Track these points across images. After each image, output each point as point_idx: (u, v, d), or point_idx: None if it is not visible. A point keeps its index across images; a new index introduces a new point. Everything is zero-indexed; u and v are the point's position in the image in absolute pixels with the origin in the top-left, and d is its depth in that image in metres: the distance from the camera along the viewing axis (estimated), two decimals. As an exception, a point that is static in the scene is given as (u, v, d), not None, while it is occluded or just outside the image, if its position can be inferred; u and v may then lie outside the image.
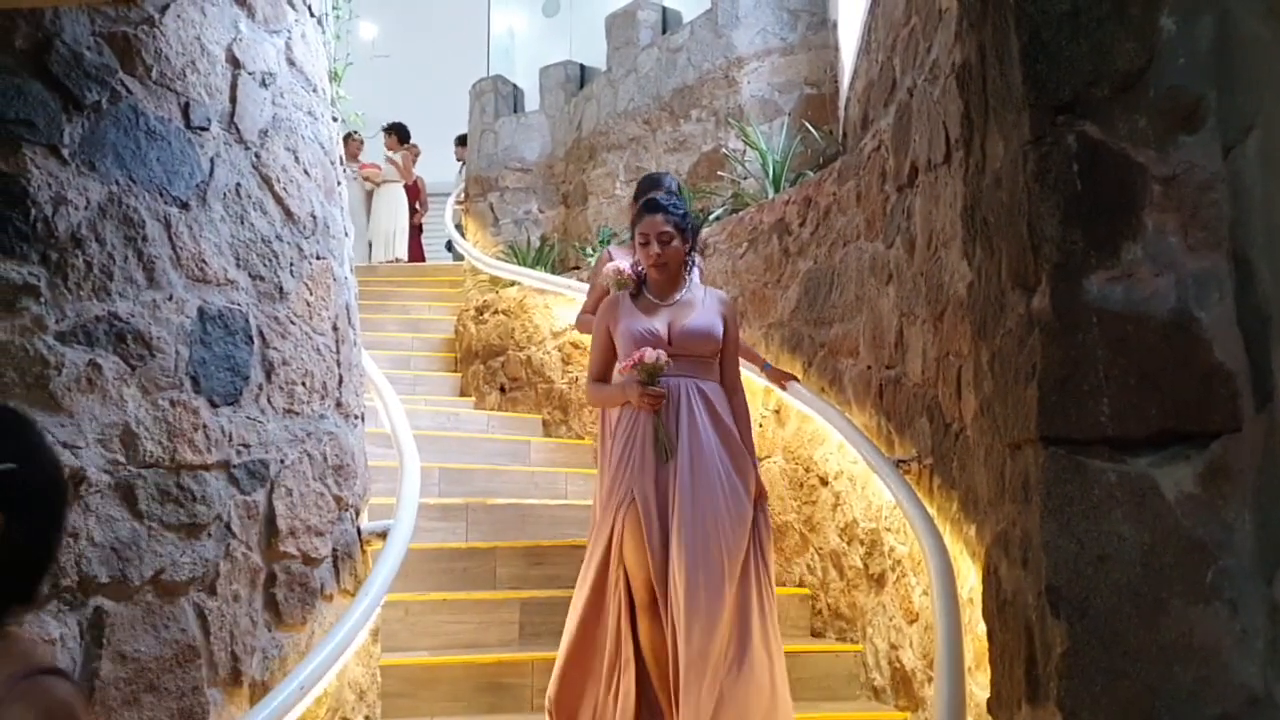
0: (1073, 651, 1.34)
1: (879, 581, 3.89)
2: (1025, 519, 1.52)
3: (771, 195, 5.46)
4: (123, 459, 2.21)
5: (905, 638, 3.64)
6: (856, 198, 4.19)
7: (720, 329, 3.37)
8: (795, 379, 4.01)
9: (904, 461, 3.46)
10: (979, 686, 2.79)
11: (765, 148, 5.89)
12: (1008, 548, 1.67)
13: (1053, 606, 1.37)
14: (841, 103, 5.60)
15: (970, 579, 2.96)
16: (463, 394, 7.32)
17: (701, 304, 3.39)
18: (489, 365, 7.14)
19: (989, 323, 1.75)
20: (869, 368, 3.94)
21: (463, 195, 9.56)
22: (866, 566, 3.97)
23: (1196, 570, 1.35)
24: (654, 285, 3.42)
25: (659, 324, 3.35)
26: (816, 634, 4.35)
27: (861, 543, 4.01)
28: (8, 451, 1.26)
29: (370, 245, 10.71)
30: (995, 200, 1.65)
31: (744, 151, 6.31)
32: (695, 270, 3.58)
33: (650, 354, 3.25)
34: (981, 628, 2.79)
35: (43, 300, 2.09)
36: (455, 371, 7.61)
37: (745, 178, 6.13)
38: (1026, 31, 1.49)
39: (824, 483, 4.37)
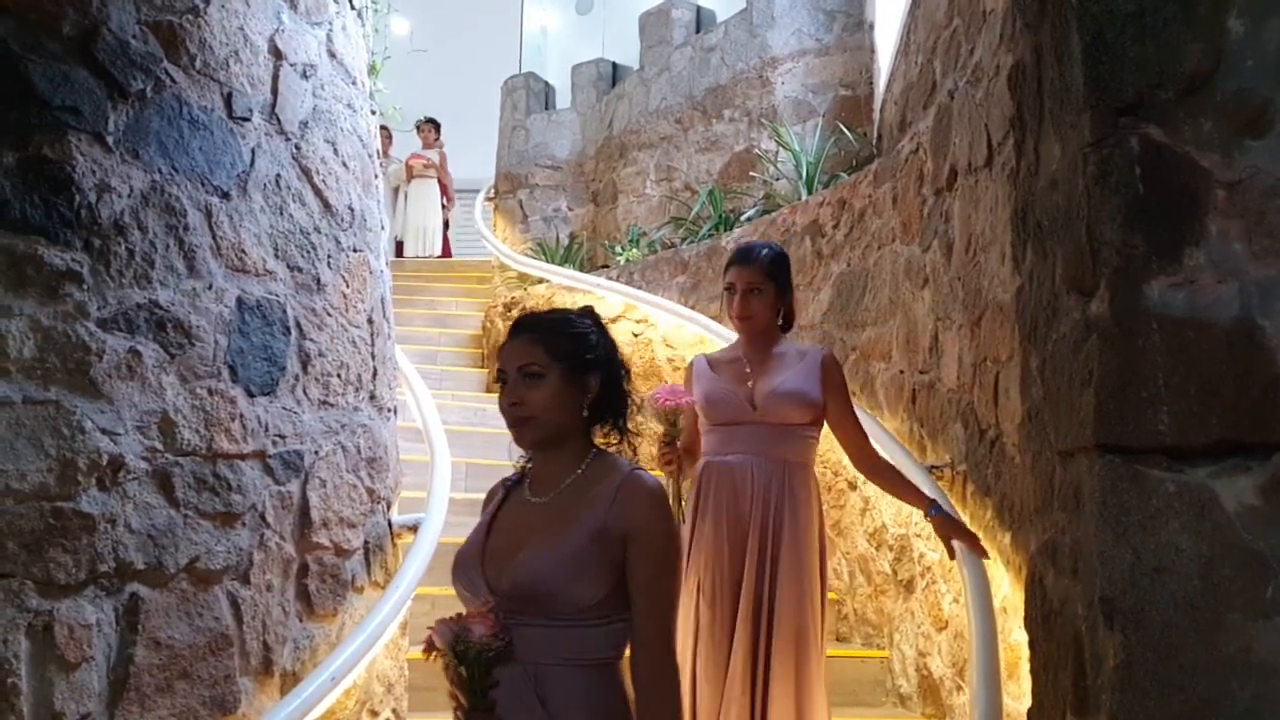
0: (1126, 664, 1.32)
1: (908, 587, 3.86)
2: (1076, 528, 1.49)
3: (804, 197, 5.43)
4: (160, 446, 2.21)
5: (934, 645, 3.61)
6: (893, 200, 4.16)
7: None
8: (975, 542, 2.85)
9: (937, 467, 3.43)
10: (1010, 697, 2.76)
11: (799, 149, 5.86)
12: (1055, 557, 1.64)
13: (1106, 618, 1.34)
14: (877, 105, 5.56)
15: (1003, 587, 2.93)
16: (489, 390, 7.31)
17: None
18: (516, 362, 7.13)
19: (1040, 327, 1.72)
20: (902, 372, 3.91)
21: (492, 191, 9.58)
22: (895, 572, 3.94)
23: (1256, 584, 1.32)
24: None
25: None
26: (842, 639, 4.32)
27: (890, 548, 3.98)
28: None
29: (400, 241, 10.73)
30: (1050, 203, 1.62)
31: (777, 152, 6.28)
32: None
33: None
34: (1014, 637, 2.76)
35: (85, 287, 2.09)
36: (482, 368, 7.62)
37: (778, 179, 6.11)
38: (1089, 31, 1.46)
39: (853, 487, 4.33)
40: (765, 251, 2.98)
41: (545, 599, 1.71)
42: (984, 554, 2.83)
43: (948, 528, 2.89)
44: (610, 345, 1.88)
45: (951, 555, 2.89)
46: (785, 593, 2.76)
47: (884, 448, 3.71)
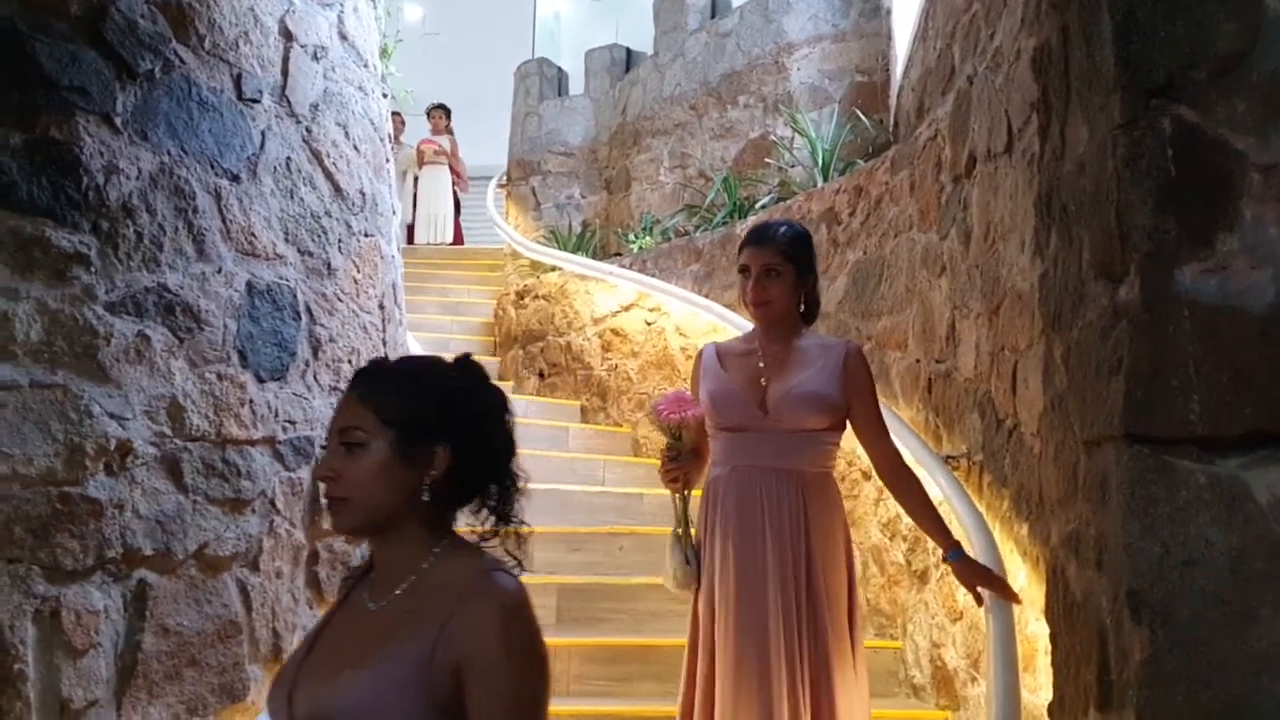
0: (1154, 659, 1.28)
1: (921, 578, 3.82)
2: (1102, 520, 1.46)
3: (820, 184, 5.38)
4: (169, 431, 2.19)
5: (948, 635, 3.57)
6: (910, 187, 4.11)
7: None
8: (1004, 587, 2.58)
9: (953, 457, 3.38)
10: (1026, 689, 2.72)
11: (815, 135, 5.81)
12: (1078, 549, 1.61)
13: (1133, 612, 1.30)
14: (894, 91, 5.50)
15: (1019, 579, 2.89)
16: (501, 378, 7.30)
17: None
18: (528, 350, 7.12)
19: (1065, 315, 1.68)
20: (918, 361, 3.87)
21: (505, 178, 9.54)
22: (909, 563, 3.90)
23: (1289, 579, 1.28)
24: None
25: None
26: (855, 630, 4.29)
27: (904, 538, 3.94)
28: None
29: (411, 228, 10.70)
30: (1077, 187, 1.58)
31: (792, 139, 6.23)
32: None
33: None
34: (1030, 629, 2.73)
35: (93, 269, 2.07)
36: (494, 356, 7.60)
37: (793, 165, 6.05)
38: (1120, 11, 1.42)
39: (867, 477, 4.29)
40: (784, 230, 2.64)
41: None
42: (1015, 599, 2.55)
43: (970, 574, 2.58)
44: (484, 406, 1.48)
45: (979, 601, 2.59)
46: (813, 622, 2.44)
47: (899, 437, 3.67)
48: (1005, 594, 2.54)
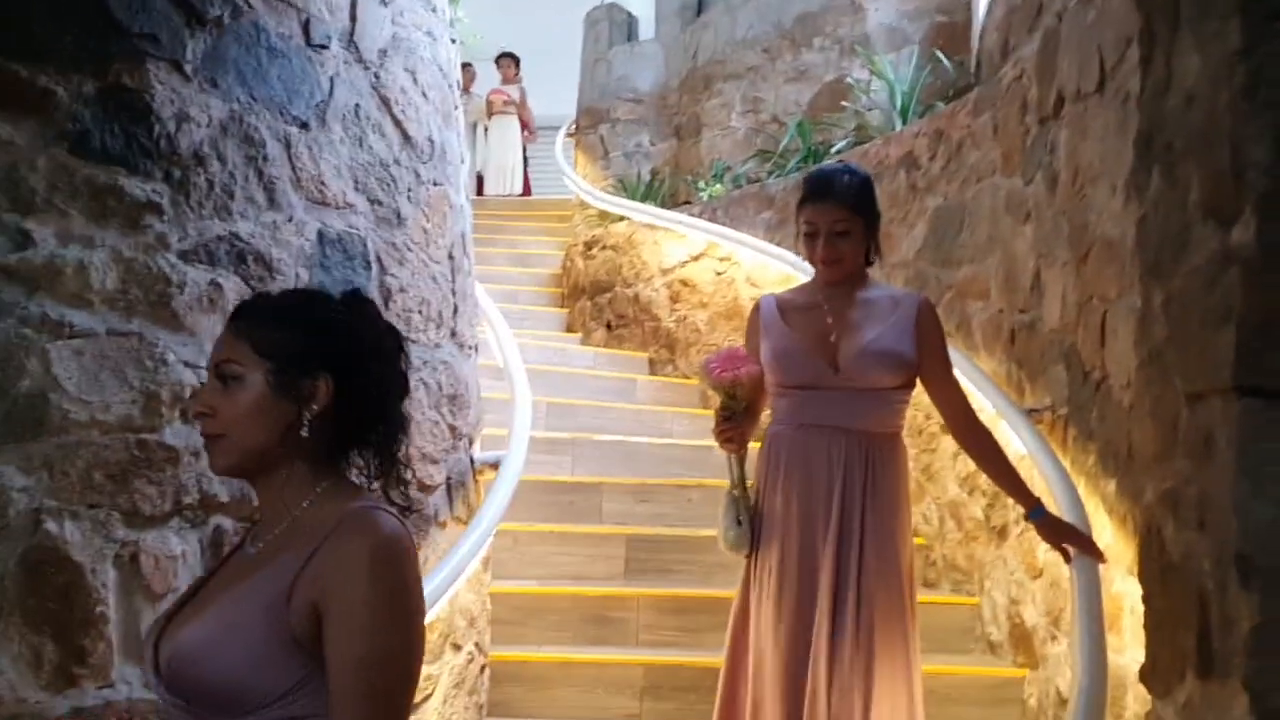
0: (1264, 626, 1.20)
1: (1000, 534, 3.74)
2: (1205, 477, 1.37)
3: (898, 128, 5.22)
4: (243, 380, 2.20)
5: (1027, 593, 3.49)
6: (993, 130, 3.96)
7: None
8: (1090, 545, 2.51)
9: (1036, 410, 3.28)
10: (1111, 650, 2.64)
11: (892, 78, 5.63)
12: (1176, 508, 1.52)
13: (1241, 576, 1.23)
14: (976, 30, 5.29)
15: (1105, 537, 2.80)
16: (569, 330, 7.29)
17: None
18: (596, 301, 7.09)
19: (1165, 261, 1.58)
20: (1000, 311, 3.75)
21: (573, 127, 9.47)
22: (988, 518, 3.82)
23: None
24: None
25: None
26: (930, 584, 4.22)
27: (984, 493, 3.85)
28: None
29: (480, 179, 10.70)
30: (1184, 122, 1.47)
31: (869, 82, 6.05)
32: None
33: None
34: (1116, 587, 2.64)
35: (166, 218, 2.07)
36: (562, 307, 7.59)
37: (870, 109, 5.89)
38: (1239, -74, 1.31)
39: (944, 430, 4.20)
40: (847, 179, 2.46)
41: (203, 692, 1.24)
42: (1101, 558, 2.47)
43: (1055, 532, 2.50)
44: (369, 341, 1.38)
45: (1067, 559, 2.51)
46: (872, 589, 2.37)
47: (980, 389, 3.57)
48: (1092, 552, 2.46)
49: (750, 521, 2.45)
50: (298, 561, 1.25)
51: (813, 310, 2.49)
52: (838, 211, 2.41)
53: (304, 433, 1.32)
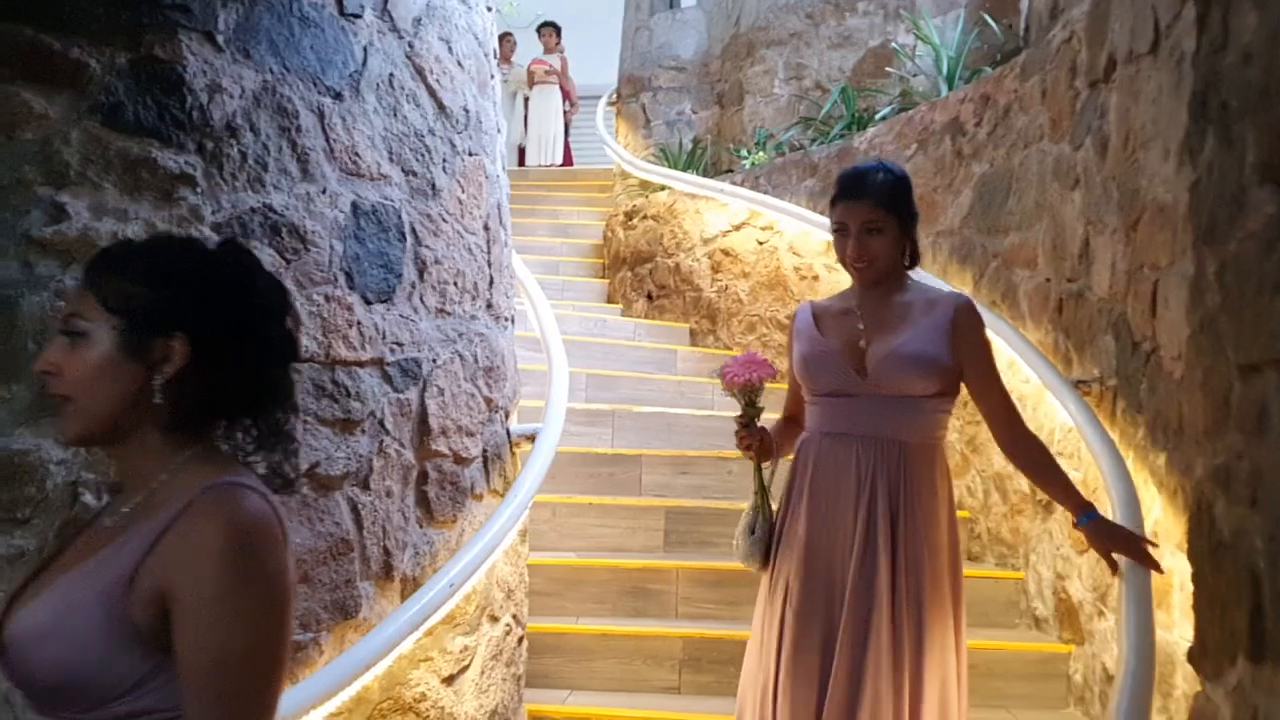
0: (1319, 609, 1.15)
1: (1047, 508, 3.67)
2: (1258, 452, 1.32)
3: (944, 93, 5.10)
4: (278, 352, 2.20)
5: (1073, 568, 3.43)
6: (1041, 95, 3.85)
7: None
8: (1144, 553, 2.32)
9: (1084, 382, 3.20)
10: (1160, 627, 2.58)
11: (938, 42, 5.50)
12: (1228, 483, 1.47)
13: (1295, 555, 1.18)
14: (1025, -8, 5.15)
15: (1154, 512, 2.73)
16: (610, 300, 7.27)
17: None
18: (637, 272, 7.05)
19: (1220, 226, 1.52)
20: (1047, 280, 3.66)
21: (614, 96, 9.39)
22: (1034, 491, 3.75)
23: None
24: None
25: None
26: (974, 558, 4.17)
27: (1029, 466, 3.78)
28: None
29: (522, 149, 10.67)
30: (1241, 81, 1.41)
31: (914, 46, 5.92)
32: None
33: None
34: (1165, 563, 2.57)
35: (199, 190, 2.07)
36: (603, 278, 7.56)
37: (915, 74, 5.77)
38: None
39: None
40: (881, 177, 2.34)
41: (37, 682, 1.12)
42: (1155, 566, 2.31)
43: (1107, 539, 2.31)
44: (238, 294, 1.22)
45: (1114, 569, 2.35)
46: (910, 611, 2.20)
47: (1026, 360, 3.49)
48: (1145, 562, 2.30)
49: (767, 533, 2.37)
50: (144, 543, 1.12)
51: (846, 315, 2.38)
52: (869, 210, 2.30)
53: (156, 399, 1.18)
